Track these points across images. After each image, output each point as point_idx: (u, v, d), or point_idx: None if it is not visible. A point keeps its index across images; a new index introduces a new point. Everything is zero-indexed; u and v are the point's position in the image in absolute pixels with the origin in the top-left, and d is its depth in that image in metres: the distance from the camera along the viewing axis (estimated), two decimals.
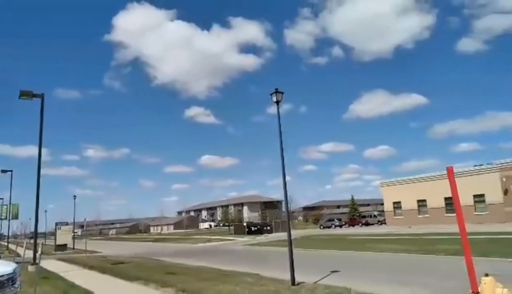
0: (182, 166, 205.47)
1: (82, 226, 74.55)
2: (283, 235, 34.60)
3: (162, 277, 13.02)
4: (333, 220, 59.89)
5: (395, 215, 47.03)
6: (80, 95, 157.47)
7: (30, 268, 16.25)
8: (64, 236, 39.04)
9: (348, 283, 9.76)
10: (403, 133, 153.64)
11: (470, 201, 37.71)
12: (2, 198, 39.70)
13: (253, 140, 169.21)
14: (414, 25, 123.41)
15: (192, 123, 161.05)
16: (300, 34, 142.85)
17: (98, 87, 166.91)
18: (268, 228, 52.59)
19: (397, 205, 47.01)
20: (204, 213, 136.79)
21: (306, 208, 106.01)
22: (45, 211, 59.36)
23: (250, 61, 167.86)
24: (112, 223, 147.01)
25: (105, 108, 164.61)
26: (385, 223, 49.81)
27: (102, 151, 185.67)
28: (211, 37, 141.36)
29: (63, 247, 37.69)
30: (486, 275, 4.77)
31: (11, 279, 7.84)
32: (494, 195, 36.21)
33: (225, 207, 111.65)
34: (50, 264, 20.43)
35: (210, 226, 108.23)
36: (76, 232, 44.50)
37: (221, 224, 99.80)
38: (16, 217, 34.73)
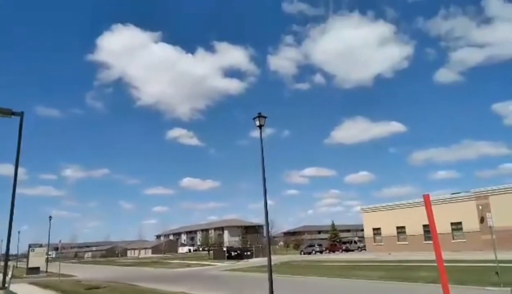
0: (162, 188, 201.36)
1: (56, 249, 72.13)
2: (263, 261, 34.22)
3: None
4: (313, 245, 59.63)
5: (375, 242, 47.19)
6: (60, 113, 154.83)
7: None
8: (37, 259, 37.63)
9: None
10: (383, 159, 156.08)
11: (448, 229, 38.27)
12: None
13: (235, 163, 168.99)
14: (394, 55, 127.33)
15: (174, 145, 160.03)
16: (283, 61, 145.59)
17: (80, 106, 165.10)
18: (249, 253, 52.04)
19: (377, 231, 47.26)
20: (183, 237, 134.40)
21: (287, 233, 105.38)
22: (18, 232, 57.33)
23: (234, 85, 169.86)
24: (88, 246, 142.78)
25: (86, 128, 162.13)
26: (365, 249, 49.88)
27: (80, 171, 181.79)
28: (195, 60, 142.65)
29: (35, 270, 36.28)
30: None
31: None
32: (471, 223, 36.83)
33: (205, 231, 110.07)
34: (21, 288, 19.64)
35: (189, 250, 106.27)
36: (50, 255, 42.93)
37: (200, 249, 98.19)
38: None
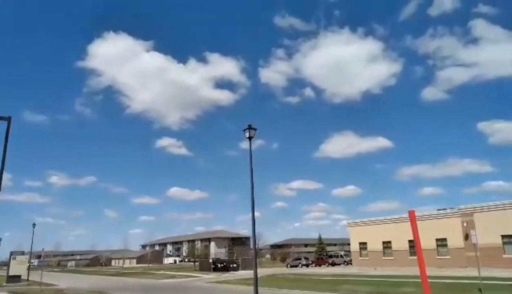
0: (149, 198, 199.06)
1: (39, 257, 70.66)
2: (250, 273, 34.00)
3: None
4: (300, 259, 59.55)
5: (361, 256, 47.30)
6: (48, 119, 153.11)
7: None
8: (18, 267, 36.79)
9: None
10: (369, 174, 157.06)
11: (433, 245, 38.60)
12: None
13: (224, 174, 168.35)
14: (382, 72, 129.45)
15: (163, 154, 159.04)
16: (274, 73, 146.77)
17: (68, 113, 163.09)
18: (235, 265, 51.69)
19: (363, 245, 47.41)
20: (169, 248, 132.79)
21: (274, 246, 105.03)
22: (0, 238, 56.03)
23: (224, 96, 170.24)
24: (72, 254, 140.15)
25: (74, 135, 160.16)
26: (351, 264, 49.96)
27: (66, 178, 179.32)
28: (187, 70, 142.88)
29: (16, 278, 35.43)
30: None
31: None
32: (455, 240, 37.21)
33: (192, 242, 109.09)
34: None
35: (175, 261, 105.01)
36: (32, 263, 42.05)
37: (186, 260, 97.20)
38: None
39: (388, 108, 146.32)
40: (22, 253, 40.36)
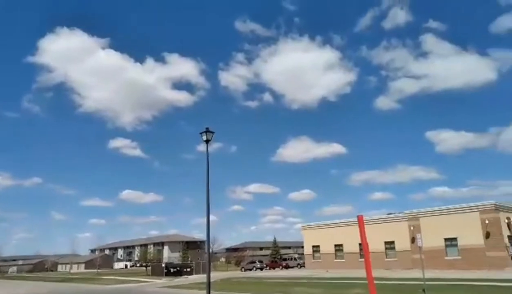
0: (100, 200, 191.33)
1: None
2: (203, 277, 33.55)
3: None
4: (254, 262, 59.64)
5: (314, 259, 48.16)
6: None
7: None
8: None
9: None
10: (324, 179, 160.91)
11: (382, 248, 40.09)
12: None
13: (180, 177, 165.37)
14: (338, 80, 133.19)
15: (116, 155, 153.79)
16: (234, 77, 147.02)
17: (15, 109, 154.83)
18: (189, 269, 50.90)
19: (316, 248, 48.31)
20: (120, 252, 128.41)
21: (229, 249, 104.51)
22: None
23: (183, 97, 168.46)
24: (14, 260, 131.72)
25: (20, 133, 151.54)
26: (304, 266, 50.71)
27: (9, 179, 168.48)
28: (144, 70, 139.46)
29: None
30: None
31: None
32: (403, 243, 38.81)
33: (144, 246, 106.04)
34: None
35: (126, 266, 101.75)
36: None
37: (138, 265, 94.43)
38: None
39: (343, 116, 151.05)
40: None
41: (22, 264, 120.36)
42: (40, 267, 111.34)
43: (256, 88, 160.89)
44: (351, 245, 41.91)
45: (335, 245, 45.46)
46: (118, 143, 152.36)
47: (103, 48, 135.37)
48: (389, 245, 40.29)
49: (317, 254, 48.07)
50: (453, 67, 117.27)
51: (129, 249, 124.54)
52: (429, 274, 24.16)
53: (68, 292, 29.43)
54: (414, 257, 35.26)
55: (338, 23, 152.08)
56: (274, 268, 56.98)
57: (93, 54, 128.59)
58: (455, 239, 34.69)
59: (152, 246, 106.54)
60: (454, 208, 35.76)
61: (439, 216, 36.37)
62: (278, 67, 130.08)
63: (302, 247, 54.19)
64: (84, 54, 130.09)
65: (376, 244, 39.85)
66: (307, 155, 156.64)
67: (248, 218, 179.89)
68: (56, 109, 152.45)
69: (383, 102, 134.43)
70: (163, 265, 53.64)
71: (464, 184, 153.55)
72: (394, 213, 42.07)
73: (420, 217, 37.67)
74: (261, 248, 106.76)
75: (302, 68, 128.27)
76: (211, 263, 65.43)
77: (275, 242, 78.47)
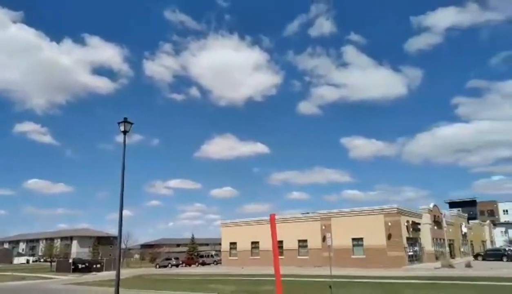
0: (1, 189, 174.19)
1: None
2: (114, 274, 32.05)
3: None
4: (170, 259, 58.55)
5: (230, 256, 48.61)
6: None
7: None
8: None
9: None
10: (246, 177, 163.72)
11: (295, 246, 41.79)
12: None
13: (94, 168, 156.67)
14: (265, 81, 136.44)
15: (22, 140, 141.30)
16: (159, 67, 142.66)
17: None
18: (99, 265, 48.48)
19: (233, 245, 48.81)
20: (22, 246, 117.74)
21: (144, 246, 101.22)
22: None
23: (103, 84, 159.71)
24: None
25: None
26: (221, 263, 50.98)
27: None
28: (60, 50, 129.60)
29: None
30: None
31: None
32: (315, 241, 40.78)
33: (50, 240, 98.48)
34: None
35: (28, 261, 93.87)
36: None
37: (42, 260, 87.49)
38: None
39: (267, 116, 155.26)
40: None
41: None
42: None
43: (183, 81, 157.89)
44: (267, 242, 42.85)
45: (252, 242, 46.33)
46: (25, 127, 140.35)
47: (15, 22, 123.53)
48: (302, 243, 42.08)
49: (234, 251, 48.58)
50: (370, 79, 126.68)
51: (32, 243, 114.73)
52: (337, 271, 25.73)
53: None
54: (324, 255, 37.23)
55: (268, 25, 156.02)
56: (190, 265, 56.51)
57: (3, 27, 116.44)
58: (361, 239, 37.34)
59: (59, 240, 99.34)
60: (362, 210, 38.46)
61: (348, 217, 38.83)
62: (207, 62, 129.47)
63: (220, 244, 54.45)
64: None
65: (290, 242, 41.51)
66: (231, 153, 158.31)
67: (167, 214, 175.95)
68: None
69: (305, 107, 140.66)
70: (70, 260, 50.35)
71: (372, 188, 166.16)
72: (308, 213, 44.03)
73: (331, 217, 39.88)
74: (178, 245, 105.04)
75: (231, 66, 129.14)
76: (124, 260, 63.03)
77: (193, 238, 77.86)
